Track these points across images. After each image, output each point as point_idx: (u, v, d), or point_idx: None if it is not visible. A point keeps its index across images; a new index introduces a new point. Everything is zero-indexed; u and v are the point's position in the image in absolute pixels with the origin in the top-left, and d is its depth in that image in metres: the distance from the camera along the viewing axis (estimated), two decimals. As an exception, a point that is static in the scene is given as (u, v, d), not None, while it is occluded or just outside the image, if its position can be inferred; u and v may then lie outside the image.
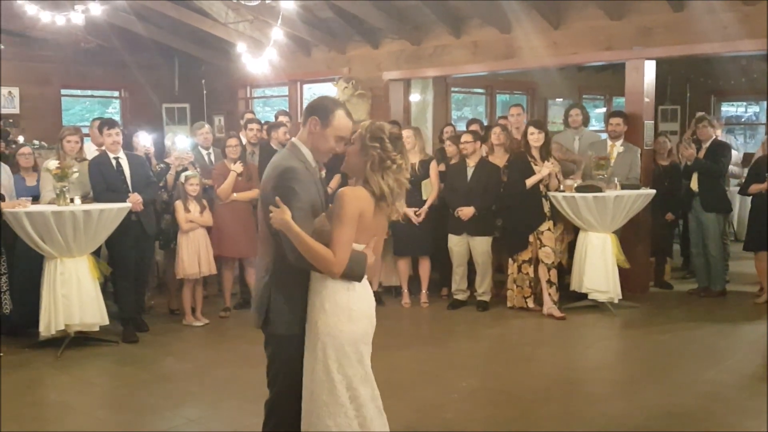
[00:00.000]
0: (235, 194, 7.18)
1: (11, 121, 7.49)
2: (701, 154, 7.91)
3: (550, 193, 7.22)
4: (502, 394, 5.16)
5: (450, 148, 7.77)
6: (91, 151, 7.31)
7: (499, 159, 7.57)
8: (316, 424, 3.11)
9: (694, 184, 7.91)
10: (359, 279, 3.12)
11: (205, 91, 12.39)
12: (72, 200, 6.10)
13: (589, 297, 7.28)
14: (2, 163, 6.52)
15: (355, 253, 3.08)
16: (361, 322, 3.14)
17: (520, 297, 7.33)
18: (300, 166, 3.17)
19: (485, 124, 10.77)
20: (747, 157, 9.88)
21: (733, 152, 9.05)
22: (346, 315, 3.09)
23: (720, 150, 7.96)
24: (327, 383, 3.08)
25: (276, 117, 8.54)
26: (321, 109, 3.24)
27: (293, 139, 3.34)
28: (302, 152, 3.25)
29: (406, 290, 7.78)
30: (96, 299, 6.14)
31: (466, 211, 7.33)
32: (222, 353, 6.26)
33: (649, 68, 7.99)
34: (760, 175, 7.55)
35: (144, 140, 7.50)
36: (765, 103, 13.45)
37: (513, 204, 7.25)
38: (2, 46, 9.60)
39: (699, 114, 8.57)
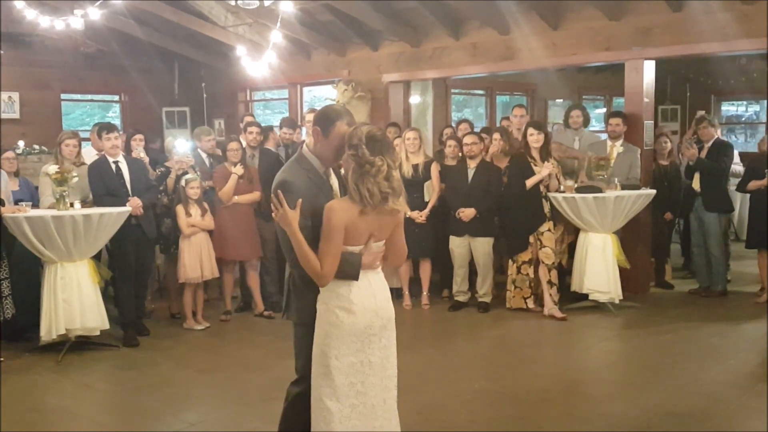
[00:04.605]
0: (236, 197, 7.19)
1: None
2: (703, 153, 7.90)
3: (551, 194, 7.22)
4: (504, 396, 5.15)
5: (451, 149, 7.74)
6: (91, 155, 7.31)
7: (500, 162, 7.56)
8: (319, 407, 3.25)
9: (695, 184, 7.90)
10: (354, 278, 3.23)
11: (205, 95, 12.41)
12: (72, 205, 6.10)
13: (590, 297, 7.28)
14: (1, 169, 6.51)
15: (347, 255, 3.20)
16: (363, 314, 3.23)
17: (520, 298, 7.32)
18: (297, 177, 3.31)
19: (485, 125, 10.79)
20: (744, 156, 9.85)
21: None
22: (346, 308, 3.21)
23: (722, 149, 7.95)
24: (323, 368, 3.23)
25: (281, 125, 8.55)
26: (323, 120, 3.39)
27: (303, 146, 3.50)
28: (308, 160, 3.41)
29: (407, 292, 7.77)
30: (96, 303, 6.14)
31: (467, 213, 7.32)
32: (223, 357, 6.25)
33: (649, 68, 7.98)
34: (759, 171, 7.54)
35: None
36: (765, 102, 13.44)
37: (513, 205, 7.24)
38: (2, 51, 9.61)
39: (699, 114, 8.56)
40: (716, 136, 8.11)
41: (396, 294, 7.98)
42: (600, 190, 7.11)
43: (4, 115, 10.73)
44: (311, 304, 3.31)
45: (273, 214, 3.23)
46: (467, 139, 7.52)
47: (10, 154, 6.96)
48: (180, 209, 6.92)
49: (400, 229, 3.40)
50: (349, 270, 3.21)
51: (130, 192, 6.52)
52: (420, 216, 7.46)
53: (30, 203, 6.31)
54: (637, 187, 7.52)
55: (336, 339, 3.21)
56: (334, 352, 3.20)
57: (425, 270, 7.75)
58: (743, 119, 14.83)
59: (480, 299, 7.48)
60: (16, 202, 6.29)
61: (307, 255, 3.14)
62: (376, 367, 3.29)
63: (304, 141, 6.92)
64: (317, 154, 3.40)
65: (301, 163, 3.40)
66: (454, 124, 9.55)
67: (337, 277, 3.20)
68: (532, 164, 7.15)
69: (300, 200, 3.17)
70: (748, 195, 7.93)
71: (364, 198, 3.15)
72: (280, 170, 3.42)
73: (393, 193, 3.20)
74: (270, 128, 8.28)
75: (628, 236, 7.69)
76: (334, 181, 3.46)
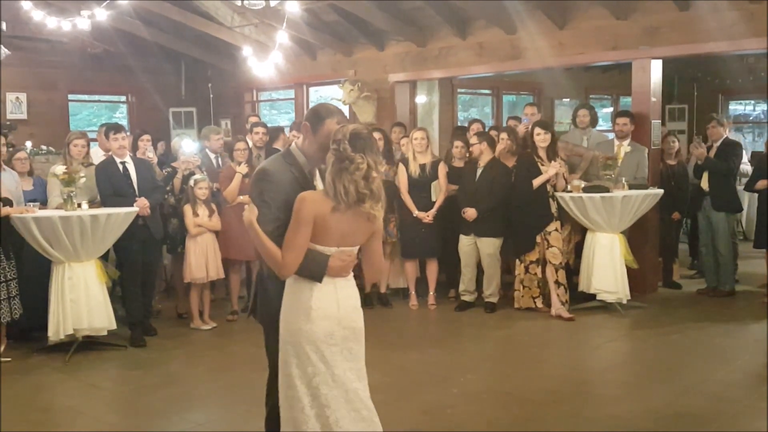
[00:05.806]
0: (241, 197, 7.19)
1: (9, 123, 7.54)
2: (712, 153, 7.87)
3: (558, 194, 7.20)
4: (510, 396, 5.14)
5: (458, 150, 7.77)
6: (98, 156, 7.33)
7: (507, 162, 7.54)
8: (283, 415, 3.21)
9: (704, 184, 7.87)
10: (318, 279, 3.12)
11: (211, 95, 12.43)
12: (79, 205, 6.11)
13: (598, 297, 7.25)
14: (9, 168, 6.54)
15: (314, 253, 3.10)
16: (323, 321, 3.10)
17: (528, 297, 7.31)
18: (278, 169, 3.28)
19: (492, 124, 10.75)
20: (752, 155, 9.83)
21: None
22: (304, 314, 3.10)
23: (731, 149, 7.92)
24: (286, 377, 3.17)
25: (292, 128, 8.57)
26: (314, 117, 3.36)
27: (293, 143, 3.49)
28: (294, 156, 3.36)
29: (413, 292, 7.76)
30: (104, 304, 6.15)
31: (470, 213, 7.31)
32: (229, 357, 6.26)
33: (656, 67, 7.95)
34: (767, 171, 7.51)
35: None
36: (773, 101, 13.41)
37: (520, 204, 7.23)
38: (9, 52, 9.65)
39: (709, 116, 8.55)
40: (725, 136, 8.09)
41: (403, 294, 8.01)
42: (607, 190, 7.08)
43: (12, 116, 10.78)
44: (277, 304, 3.24)
45: (246, 207, 3.20)
46: (470, 140, 7.54)
47: (22, 154, 7.00)
48: (187, 209, 6.93)
49: (376, 238, 3.26)
50: (314, 268, 3.10)
51: (137, 192, 6.53)
52: (427, 216, 7.46)
53: (38, 203, 6.33)
54: (645, 187, 7.50)
55: (294, 346, 3.11)
56: (294, 360, 3.11)
57: (432, 270, 7.74)
58: (751, 118, 14.77)
59: (486, 299, 7.47)
60: (29, 202, 6.32)
61: (264, 244, 3.06)
62: (340, 380, 3.11)
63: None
64: (304, 151, 3.36)
65: (287, 157, 3.36)
66: (465, 124, 9.52)
67: (301, 274, 3.10)
68: (539, 164, 7.14)
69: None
70: (756, 194, 7.91)
71: (339, 194, 3.04)
72: (265, 160, 3.39)
73: (370, 196, 3.07)
74: (281, 129, 8.31)
75: (635, 236, 7.66)
76: (319, 183, 3.36)
